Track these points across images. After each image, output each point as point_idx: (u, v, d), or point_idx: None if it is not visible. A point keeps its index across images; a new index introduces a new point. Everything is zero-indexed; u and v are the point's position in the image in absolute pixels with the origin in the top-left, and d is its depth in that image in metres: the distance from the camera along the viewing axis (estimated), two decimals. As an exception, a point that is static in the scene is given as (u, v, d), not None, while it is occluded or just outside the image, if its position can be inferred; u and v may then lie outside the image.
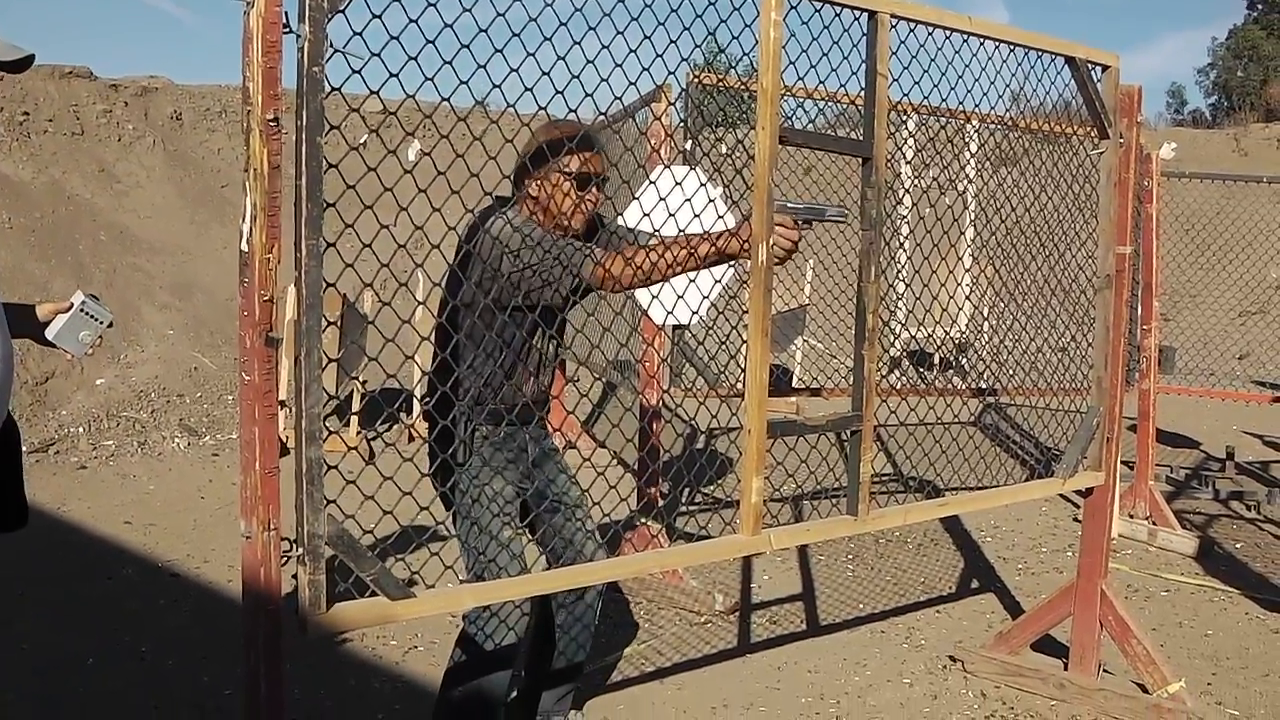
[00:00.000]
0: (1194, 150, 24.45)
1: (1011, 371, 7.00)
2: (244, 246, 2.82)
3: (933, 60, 4.43)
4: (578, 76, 3.41)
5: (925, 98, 4.50)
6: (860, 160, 4.03)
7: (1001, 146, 6.45)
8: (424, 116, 3.10)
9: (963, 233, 7.74)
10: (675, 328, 6.51)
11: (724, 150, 6.67)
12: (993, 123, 6.71)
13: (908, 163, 7.51)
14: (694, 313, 4.69)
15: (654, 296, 5.18)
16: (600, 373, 8.41)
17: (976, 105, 4.77)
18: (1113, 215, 5.05)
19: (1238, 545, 8.34)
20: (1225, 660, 6.04)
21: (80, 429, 10.49)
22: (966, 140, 7.71)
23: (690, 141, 6.74)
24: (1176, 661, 5.83)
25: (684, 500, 8.64)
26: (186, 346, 12.62)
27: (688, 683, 5.50)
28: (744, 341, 3.79)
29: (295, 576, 2.92)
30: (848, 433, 4.08)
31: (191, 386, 11.95)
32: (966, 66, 4.50)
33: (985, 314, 7.98)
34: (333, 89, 2.83)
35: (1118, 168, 5.07)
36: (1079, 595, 5.32)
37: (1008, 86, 4.73)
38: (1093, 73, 4.98)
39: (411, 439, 10.65)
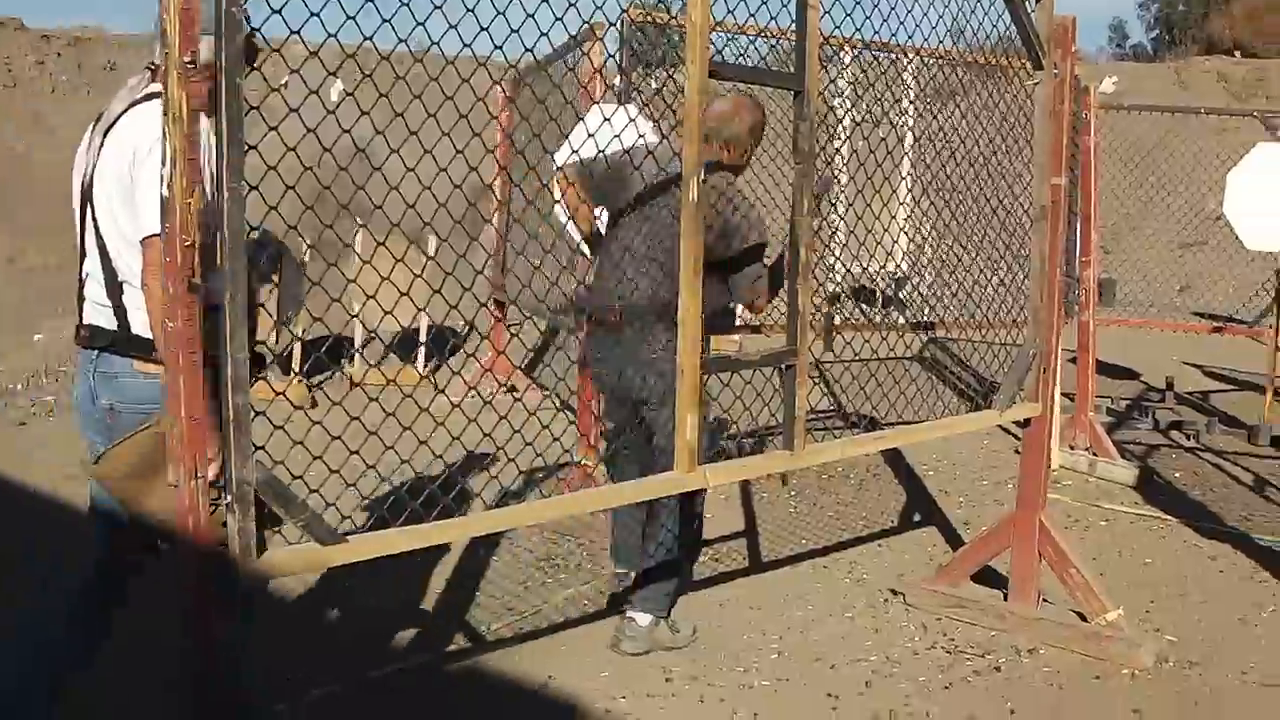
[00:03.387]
0: (1136, 84, 24.48)
1: (950, 306, 7.02)
2: (165, 192, 2.76)
3: (865, -8, 4.42)
4: (502, 13, 3.36)
5: (857, 30, 4.48)
6: (793, 93, 4.01)
7: (937, 80, 6.43)
8: (346, 56, 3.05)
9: (897, 167, 7.71)
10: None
11: (654, 86, 6.63)
12: (929, 56, 6.70)
13: (844, 97, 7.47)
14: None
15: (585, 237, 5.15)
16: (531, 312, 8.35)
17: (909, 37, 4.76)
18: (1047, 146, 5.05)
19: (1177, 474, 8.42)
20: (1163, 587, 6.11)
21: (19, 385, 10.36)
22: (901, 74, 7.68)
23: (622, 79, 6.69)
24: (1115, 590, 5.87)
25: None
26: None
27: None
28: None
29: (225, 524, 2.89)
30: (783, 368, 4.07)
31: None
32: (899, -1, 4.48)
33: (923, 249, 7.97)
34: (252, 29, 2.77)
35: (1052, 99, 5.07)
36: (1017, 526, 5.35)
37: (940, 18, 4.71)
38: (1027, 4, 4.96)
39: (353, 387, 10.58)
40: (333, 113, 3.18)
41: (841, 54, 7.34)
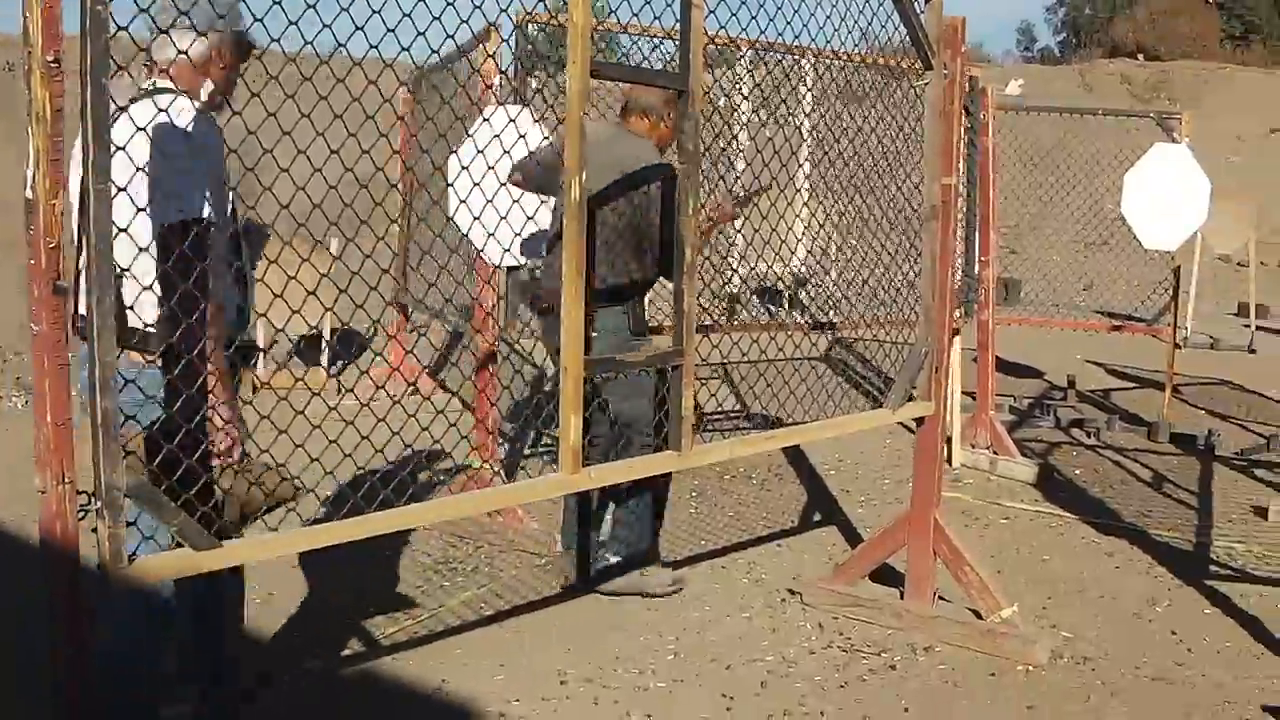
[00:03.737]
0: (1042, 86, 24.83)
1: (849, 305, 7.03)
2: (29, 194, 2.71)
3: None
4: (409, 15, 3.32)
5: (743, 30, 4.47)
6: (677, 93, 3.99)
7: (837, 81, 6.43)
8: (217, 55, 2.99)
9: (801, 167, 7.74)
10: (510, 268, 6.43)
11: (555, 89, 6.59)
12: (824, 57, 6.71)
13: (745, 98, 7.47)
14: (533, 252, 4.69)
15: (490, 234, 5.10)
16: (436, 313, 8.29)
17: (798, 36, 4.76)
18: (937, 146, 5.07)
19: (1077, 472, 8.50)
20: (1061, 585, 6.15)
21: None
22: (803, 75, 7.69)
23: (520, 80, 6.65)
24: (1013, 587, 5.92)
25: (530, 441, 8.57)
26: (21, 302, 12.23)
27: (526, 626, 5.45)
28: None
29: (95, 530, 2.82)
30: (669, 368, 4.05)
31: (29, 343, 11.58)
32: (786, -2, 4.47)
33: (823, 249, 8.00)
34: (119, 28, 2.71)
35: (942, 99, 5.08)
36: (912, 525, 5.37)
37: (828, 17, 4.71)
38: (916, 4, 4.97)
39: (256, 390, 10.44)
40: (205, 112, 3.13)
41: (740, 55, 7.33)
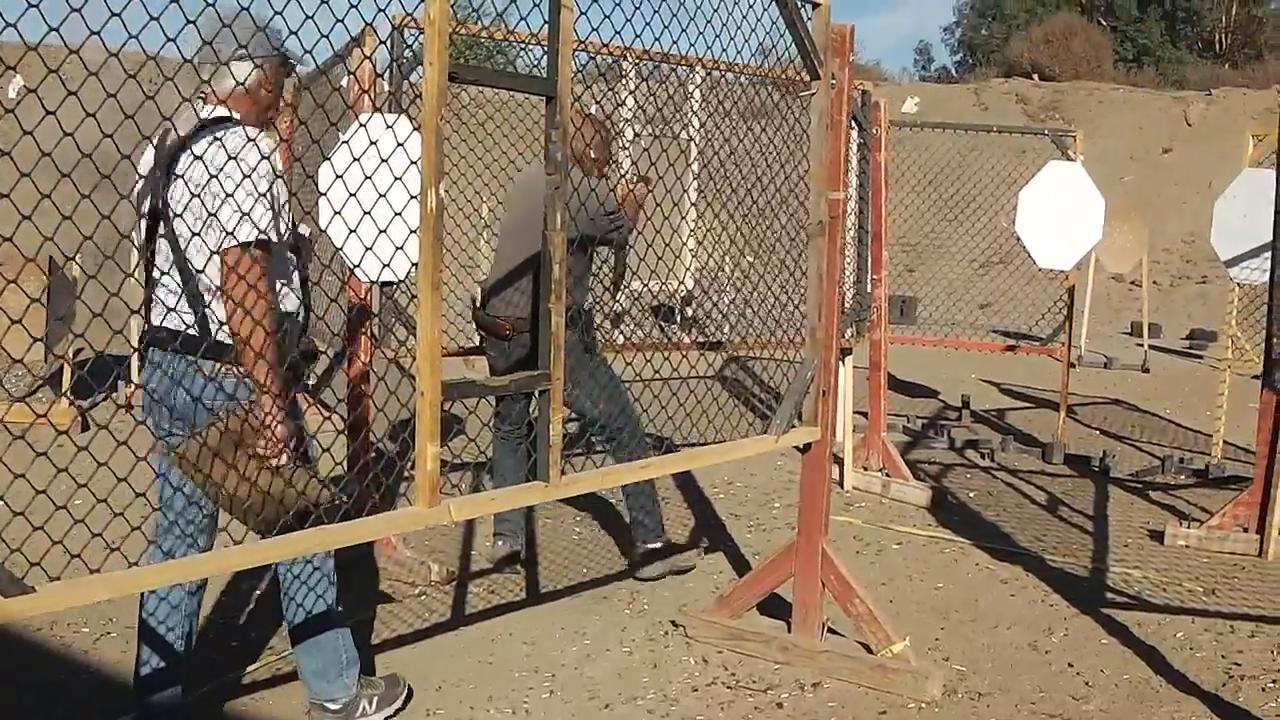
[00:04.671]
0: (938, 104, 24.88)
1: (740, 324, 6.82)
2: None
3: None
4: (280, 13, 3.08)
5: (617, 33, 4.20)
6: (545, 100, 3.72)
7: (730, 94, 6.20)
8: (28, 49, 2.68)
9: (693, 183, 7.50)
10: (384, 284, 6.14)
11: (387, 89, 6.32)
12: (710, 66, 6.50)
13: (628, 109, 7.22)
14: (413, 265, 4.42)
15: (368, 248, 4.80)
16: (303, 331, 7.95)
17: (675, 41, 4.51)
18: (824, 159, 4.84)
19: (971, 494, 8.34)
20: (954, 613, 5.96)
21: None
22: (691, 87, 7.45)
23: (397, 86, 6.36)
24: (905, 616, 5.72)
25: (409, 464, 8.24)
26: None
27: (396, 660, 5.15)
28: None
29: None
30: (537, 393, 3.78)
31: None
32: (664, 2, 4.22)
33: (710, 266, 7.76)
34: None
35: (829, 110, 4.86)
36: (800, 554, 5.13)
37: (709, 23, 4.46)
38: (803, 11, 4.75)
39: (130, 408, 9.99)
40: (11, 111, 2.82)
41: (623, 63, 7.08)
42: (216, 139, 3.58)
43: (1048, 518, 7.79)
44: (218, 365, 3.76)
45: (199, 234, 3.68)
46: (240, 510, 3.70)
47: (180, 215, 3.69)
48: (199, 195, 3.49)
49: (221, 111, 3.85)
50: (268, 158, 3.75)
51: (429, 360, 3.39)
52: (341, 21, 3.35)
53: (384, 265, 5.49)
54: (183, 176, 3.62)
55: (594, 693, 4.92)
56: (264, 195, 3.71)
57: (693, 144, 7.23)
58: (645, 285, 7.44)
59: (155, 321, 3.90)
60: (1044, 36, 35.34)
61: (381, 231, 3.75)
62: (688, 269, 7.93)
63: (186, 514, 4.09)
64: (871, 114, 8.12)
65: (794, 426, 4.87)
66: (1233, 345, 9.41)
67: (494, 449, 6.42)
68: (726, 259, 6.49)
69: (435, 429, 3.41)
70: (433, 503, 3.47)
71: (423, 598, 5.87)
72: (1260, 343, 10.65)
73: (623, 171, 6.97)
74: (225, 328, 3.71)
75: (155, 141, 3.80)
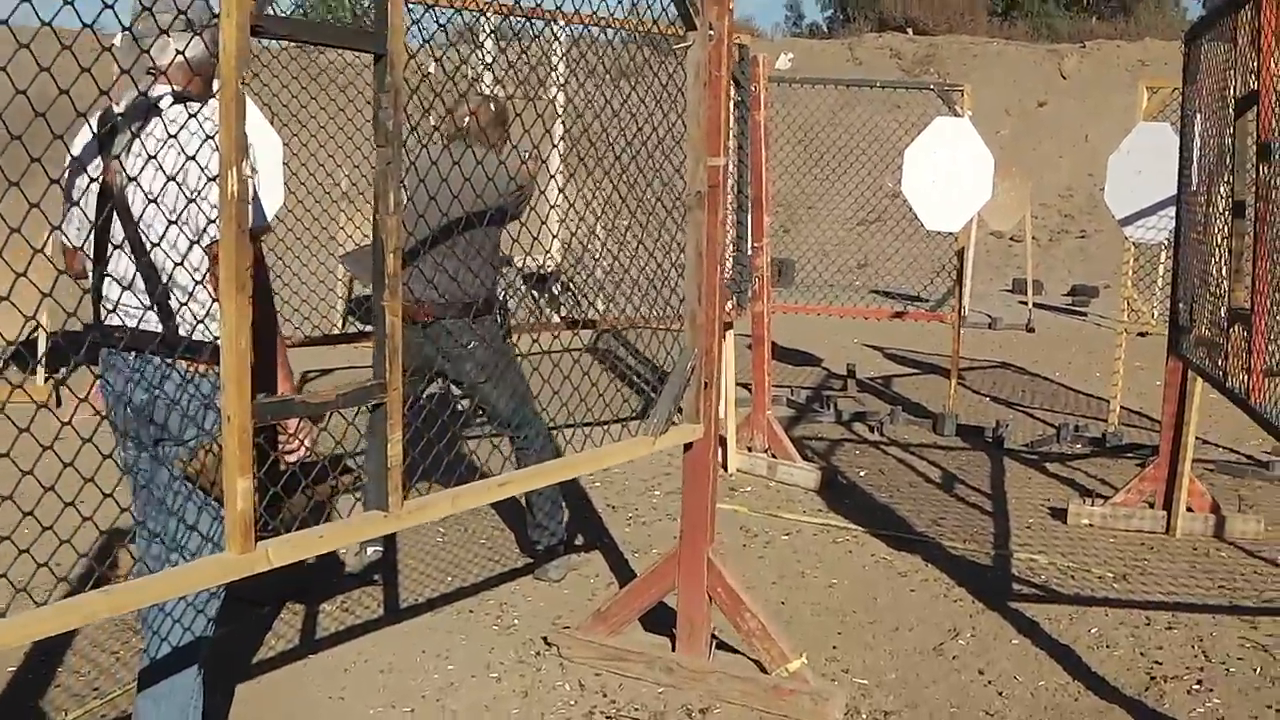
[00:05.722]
0: (810, 60, 24.44)
1: (610, 301, 6.28)
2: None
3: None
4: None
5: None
6: (372, 58, 3.11)
7: (596, 52, 5.60)
8: None
9: (554, 145, 6.90)
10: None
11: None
12: (574, 20, 5.92)
13: (487, 67, 6.58)
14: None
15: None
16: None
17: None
18: (702, 121, 4.27)
19: (862, 474, 7.85)
20: (852, 614, 5.48)
21: None
22: (555, 42, 6.85)
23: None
24: (799, 621, 5.26)
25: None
26: None
27: (238, 696, 4.53)
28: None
29: None
30: (370, 407, 3.18)
31: None
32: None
33: (579, 237, 7.18)
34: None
35: (708, 65, 4.29)
36: (683, 566, 4.59)
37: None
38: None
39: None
40: None
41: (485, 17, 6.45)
42: (182, 123, 3.27)
43: (944, 498, 7.33)
44: (192, 366, 3.48)
45: (176, 224, 3.29)
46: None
47: (143, 206, 3.36)
48: (178, 184, 3.23)
49: (164, 88, 3.47)
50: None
51: (236, 378, 2.78)
52: None
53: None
54: (153, 162, 3.24)
55: (457, 728, 4.36)
56: (254, 183, 3.37)
57: (557, 107, 6.64)
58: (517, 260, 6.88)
59: (115, 320, 3.56)
60: (916, -11, 35.05)
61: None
62: (555, 237, 7.36)
63: (169, 527, 3.68)
64: (750, 70, 7.56)
65: (673, 424, 4.31)
66: (1128, 307, 9.00)
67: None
68: (596, 230, 5.94)
69: (247, 459, 2.81)
70: (245, 548, 2.87)
71: (268, 621, 5.24)
72: (1150, 300, 10.38)
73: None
74: (201, 325, 3.45)
75: (93, 122, 3.47)
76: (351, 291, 11.29)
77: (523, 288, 7.16)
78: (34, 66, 2.40)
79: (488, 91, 6.54)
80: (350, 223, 9.42)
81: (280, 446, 3.45)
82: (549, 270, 7.15)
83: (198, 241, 3.28)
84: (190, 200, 3.24)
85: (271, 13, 2.97)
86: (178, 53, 3.27)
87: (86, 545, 5.30)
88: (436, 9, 5.65)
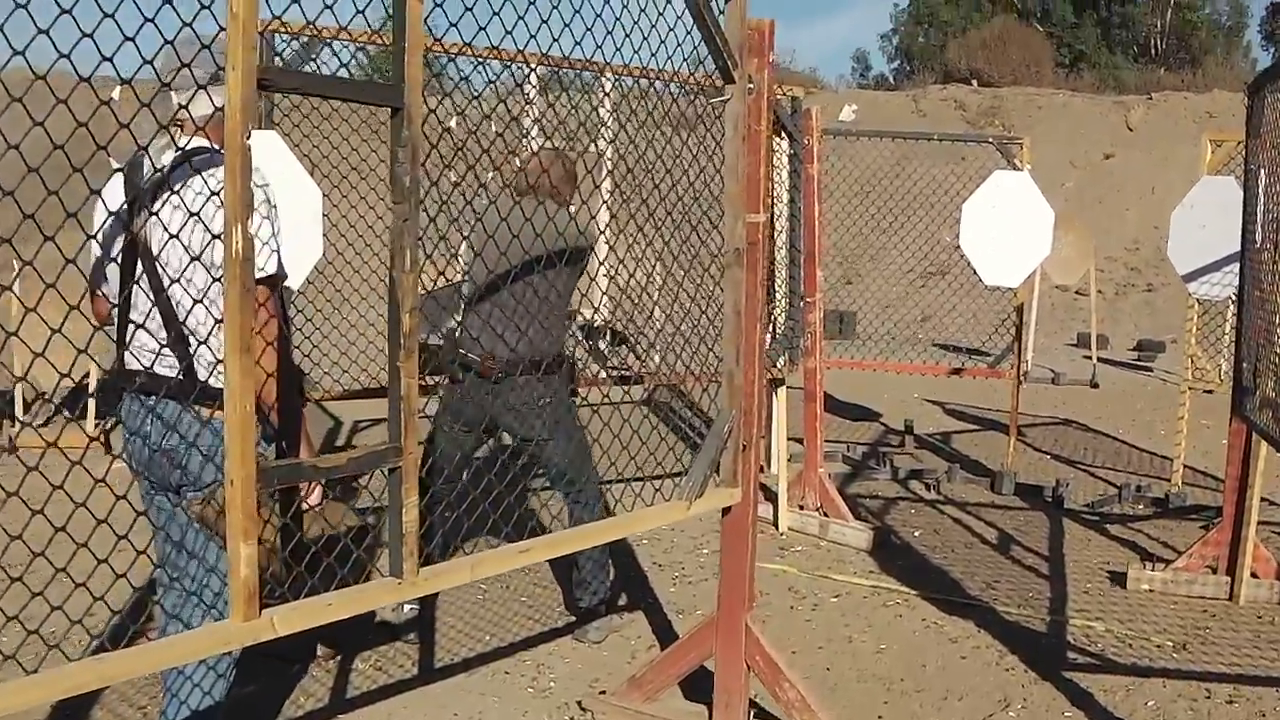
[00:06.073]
0: (875, 112, 24.33)
1: (656, 356, 6.17)
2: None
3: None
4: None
5: (508, 33, 3.51)
6: (390, 111, 3.02)
7: (650, 103, 5.50)
8: None
9: (603, 199, 6.79)
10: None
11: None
12: (618, 73, 5.83)
13: (535, 121, 6.48)
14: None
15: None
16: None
17: (578, 43, 3.81)
18: (741, 176, 4.16)
19: (916, 534, 7.67)
20: (899, 682, 5.31)
21: None
22: (603, 95, 6.75)
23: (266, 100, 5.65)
24: (844, 689, 5.10)
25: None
26: None
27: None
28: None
29: None
30: (385, 471, 3.07)
31: None
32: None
33: (627, 295, 7.07)
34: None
35: (746, 118, 4.18)
36: (720, 632, 4.44)
37: (597, 17, 3.77)
38: (713, 3, 4.06)
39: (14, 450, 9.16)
40: None
41: (530, 71, 6.36)
42: (209, 173, 3.32)
43: (999, 559, 7.14)
44: (210, 410, 3.50)
45: (194, 270, 3.37)
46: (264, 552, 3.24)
47: (168, 252, 3.45)
48: (204, 230, 3.22)
49: (200, 141, 3.51)
50: (265, 188, 3.49)
51: (239, 439, 2.68)
52: (189, 26, 2.71)
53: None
54: (183, 210, 3.30)
55: (485, 799, 4.22)
56: (274, 228, 3.55)
57: (605, 161, 6.55)
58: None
59: (135, 365, 3.62)
60: (981, 42, 34.84)
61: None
62: (604, 294, 7.25)
63: (190, 570, 3.71)
64: (803, 122, 7.46)
65: (711, 486, 4.18)
66: (1192, 365, 8.78)
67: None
68: (643, 283, 5.83)
69: (252, 524, 2.71)
70: (249, 615, 2.76)
71: (301, 677, 5.14)
72: (1215, 357, 10.13)
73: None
74: (217, 369, 3.46)
75: (126, 173, 3.54)
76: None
77: (585, 342, 7.04)
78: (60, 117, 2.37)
79: (536, 145, 6.46)
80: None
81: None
82: (601, 324, 7.02)
83: (219, 279, 3.21)
84: (215, 238, 3.21)
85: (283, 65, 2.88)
86: (217, 109, 3.06)
87: (121, 601, 5.24)
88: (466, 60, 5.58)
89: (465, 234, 5.42)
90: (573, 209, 5.60)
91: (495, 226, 4.57)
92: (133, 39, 2.52)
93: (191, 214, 3.13)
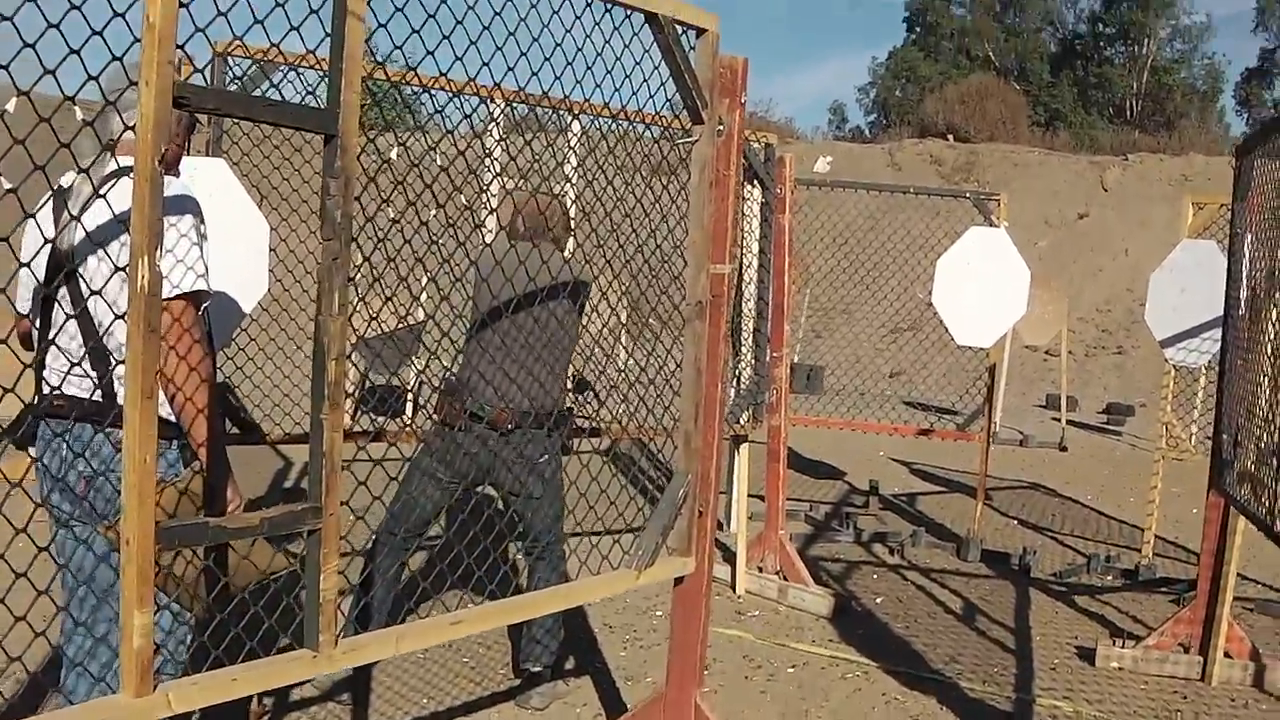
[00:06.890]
0: (850, 164, 24.23)
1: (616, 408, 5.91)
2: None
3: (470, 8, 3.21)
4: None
5: (459, 58, 3.25)
6: (323, 139, 2.75)
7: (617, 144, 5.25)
8: None
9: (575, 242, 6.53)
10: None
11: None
12: (583, 111, 5.59)
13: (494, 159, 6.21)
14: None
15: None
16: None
17: (535, 74, 3.55)
18: (706, 224, 3.89)
19: (878, 600, 7.39)
20: (855, 764, 5.02)
21: None
22: (568, 135, 6.50)
23: (215, 124, 5.38)
24: (797, 770, 4.78)
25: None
26: None
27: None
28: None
29: None
30: (304, 534, 2.79)
31: None
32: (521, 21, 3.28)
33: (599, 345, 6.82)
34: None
35: (714, 162, 3.92)
36: (669, 710, 4.15)
37: (557, 46, 3.52)
38: (683, 38, 3.81)
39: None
40: None
41: (490, 103, 6.09)
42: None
43: (963, 630, 6.86)
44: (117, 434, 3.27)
45: (119, 288, 3.04)
46: (188, 596, 3.38)
47: (89, 264, 3.38)
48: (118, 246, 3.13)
49: (127, 161, 3.26)
50: (195, 215, 3.44)
51: (138, 497, 2.40)
52: (98, 34, 2.45)
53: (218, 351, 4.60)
54: (106, 220, 3.17)
55: None
56: (202, 243, 3.44)
57: (567, 203, 6.29)
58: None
59: (54, 389, 3.42)
60: (959, 97, 34.89)
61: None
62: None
63: (100, 611, 3.56)
64: (776, 170, 7.22)
65: (664, 554, 3.90)
66: (1166, 433, 8.55)
67: (377, 553, 5.41)
68: (605, 336, 5.58)
69: (146, 590, 2.43)
70: (141, 691, 2.47)
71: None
72: (1188, 423, 9.91)
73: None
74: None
75: (56, 194, 3.51)
76: (365, 382, 10.93)
77: (575, 395, 6.82)
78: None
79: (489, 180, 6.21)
80: (367, 308, 9.10)
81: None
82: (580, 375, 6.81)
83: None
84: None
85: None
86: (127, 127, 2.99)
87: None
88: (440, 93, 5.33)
89: (456, 277, 5.15)
90: (567, 252, 5.51)
91: (494, 269, 4.45)
92: (80, 54, 2.30)
93: (117, 218, 2.84)
